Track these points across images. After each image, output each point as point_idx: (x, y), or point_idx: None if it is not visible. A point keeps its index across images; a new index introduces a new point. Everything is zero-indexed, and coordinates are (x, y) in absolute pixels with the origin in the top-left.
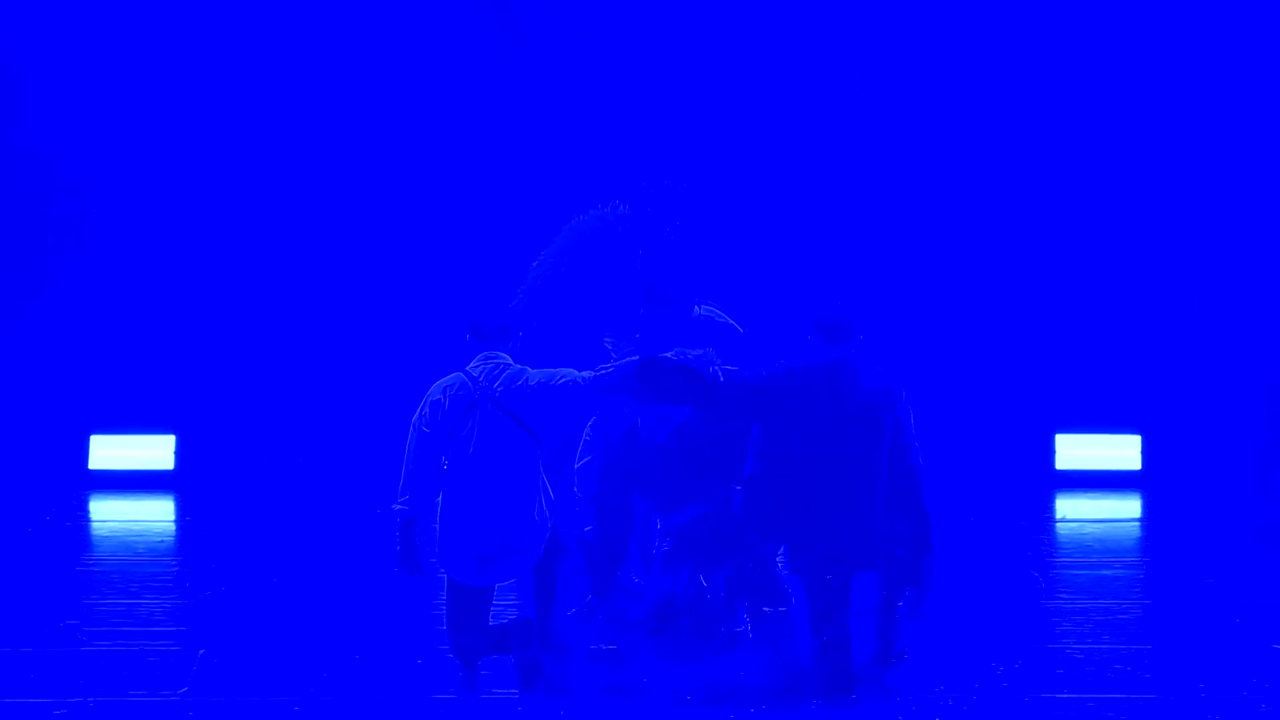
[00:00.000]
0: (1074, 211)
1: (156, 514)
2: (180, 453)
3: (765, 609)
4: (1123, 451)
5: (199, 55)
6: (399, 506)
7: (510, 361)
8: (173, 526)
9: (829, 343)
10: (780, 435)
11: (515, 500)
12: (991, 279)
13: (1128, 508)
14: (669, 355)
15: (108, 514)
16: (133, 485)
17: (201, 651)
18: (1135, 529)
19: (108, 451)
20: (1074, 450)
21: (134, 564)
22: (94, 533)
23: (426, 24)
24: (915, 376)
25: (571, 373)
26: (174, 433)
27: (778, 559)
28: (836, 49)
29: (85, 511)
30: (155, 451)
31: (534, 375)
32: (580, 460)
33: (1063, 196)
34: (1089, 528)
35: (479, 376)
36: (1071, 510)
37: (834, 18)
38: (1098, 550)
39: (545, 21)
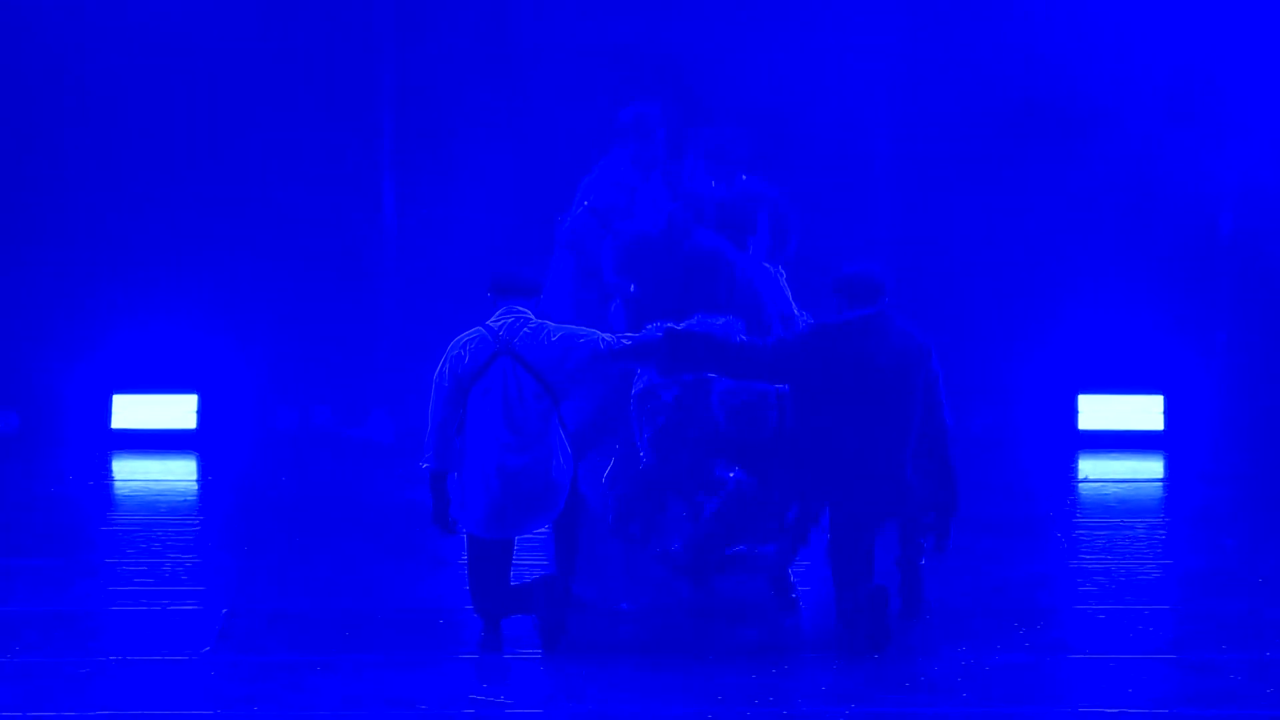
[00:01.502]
0: (1096, 173)
1: (179, 473)
2: (202, 412)
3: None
4: (1145, 412)
5: (215, 25)
6: (425, 464)
7: (532, 316)
8: (195, 486)
9: (857, 302)
10: (812, 394)
11: (531, 453)
12: (1014, 240)
13: (1150, 468)
14: (692, 324)
15: (130, 473)
16: (155, 444)
17: (225, 611)
18: (1158, 489)
19: (130, 411)
20: (1097, 410)
21: (157, 523)
22: (117, 492)
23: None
24: (940, 338)
25: (595, 332)
26: (196, 392)
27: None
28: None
29: (108, 470)
30: (178, 411)
31: (556, 330)
32: (638, 386)
33: (1084, 157)
34: (1111, 488)
35: (499, 330)
36: (1094, 470)
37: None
38: (1120, 510)
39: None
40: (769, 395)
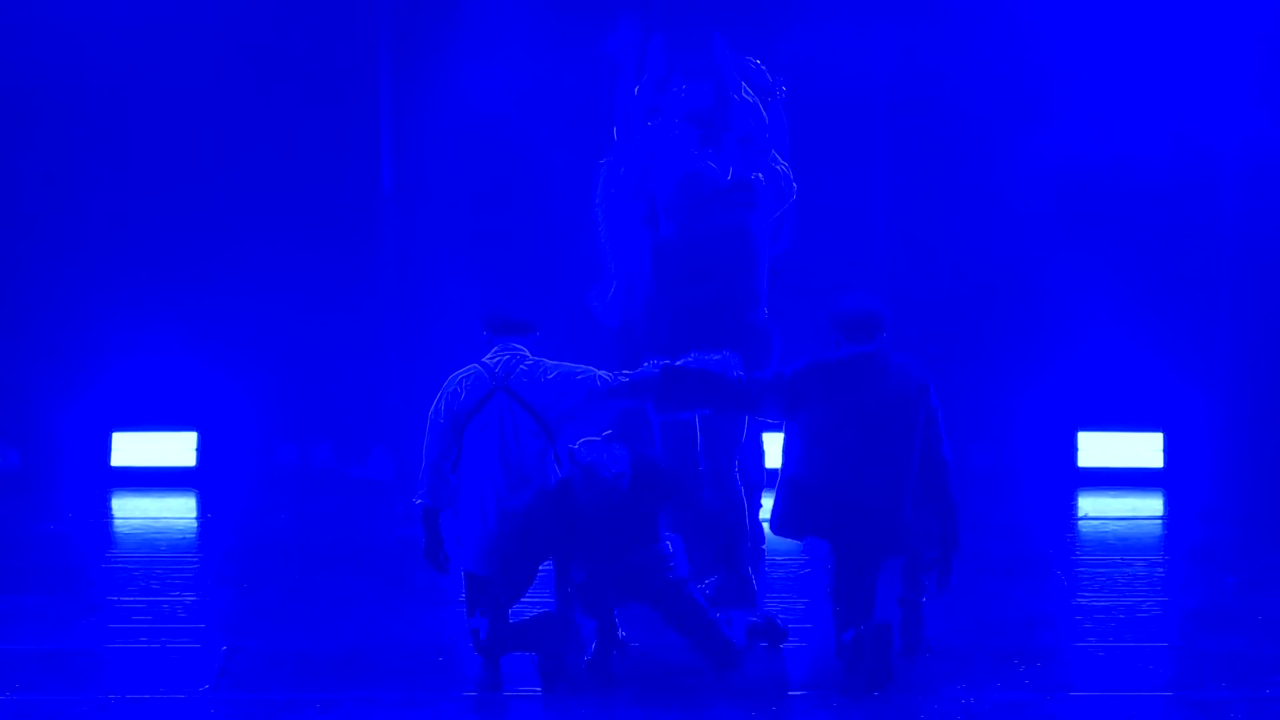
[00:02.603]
0: (1097, 210)
1: (178, 511)
2: (202, 450)
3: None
4: (1145, 449)
5: (207, 58)
6: (419, 500)
7: (528, 354)
8: (194, 523)
9: (856, 338)
10: (811, 430)
11: (525, 490)
12: (1014, 277)
13: (1150, 505)
14: (689, 360)
15: (130, 511)
16: (155, 482)
17: (225, 649)
18: (1157, 527)
19: (130, 448)
20: (1096, 448)
21: (156, 561)
22: (116, 529)
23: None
24: (939, 374)
25: (592, 370)
26: (195, 430)
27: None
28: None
29: (108, 508)
30: (177, 448)
31: (552, 368)
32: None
33: (1085, 194)
34: (1111, 525)
35: (495, 367)
36: (1094, 508)
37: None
38: (1120, 548)
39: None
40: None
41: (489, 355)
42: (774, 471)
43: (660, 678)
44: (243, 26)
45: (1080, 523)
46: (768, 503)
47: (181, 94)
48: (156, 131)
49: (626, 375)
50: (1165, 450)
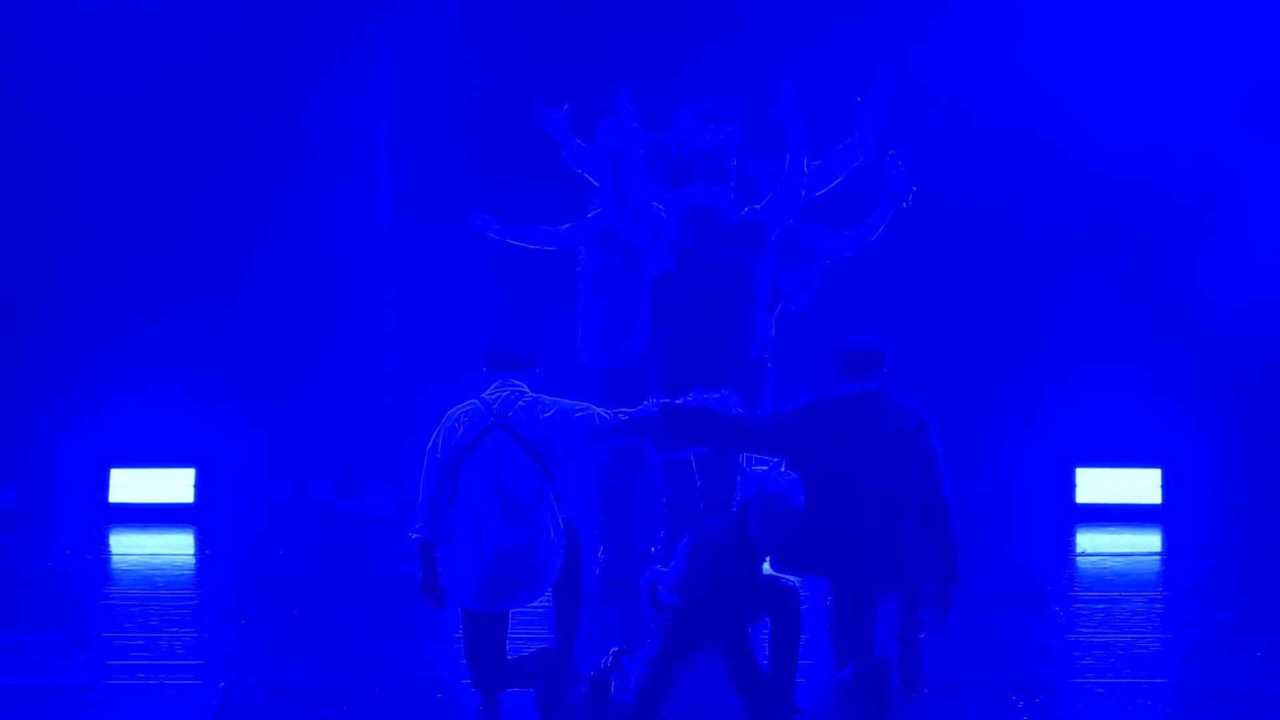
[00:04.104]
0: (1096, 252)
1: (176, 547)
2: (200, 486)
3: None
4: (1143, 485)
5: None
6: (415, 534)
7: (527, 390)
8: (192, 559)
9: (858, 376)
10: (811, 468)
11: (523, 527)
12: (1014, 316)
13: (1148, 541)
14: (688, 399)
15: (128, 547)
16: (153, 518)
17: (223, 684)
18: (1156, 563)
19: (128, 485)
20: (1095, 484)
21: (154, 597)
22: (114, 566)
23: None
24: (939, 412)
25: (590, 407)
26: (194, 466)
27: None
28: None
29: (106, 544)
30: (175, 485)
31: (551, 405)
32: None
33: (1084, 233)
34: (1110, 561)
35: (494, 403)
36: (1092, 544)
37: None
38: (1118, 584)
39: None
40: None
41: (488, 391)
42: None
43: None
44: (248, 82)
45: (1079, 558)
46: None
47: (181, 133)
48: (152, 179)
49: (625, 413)
50: (1163, 486)
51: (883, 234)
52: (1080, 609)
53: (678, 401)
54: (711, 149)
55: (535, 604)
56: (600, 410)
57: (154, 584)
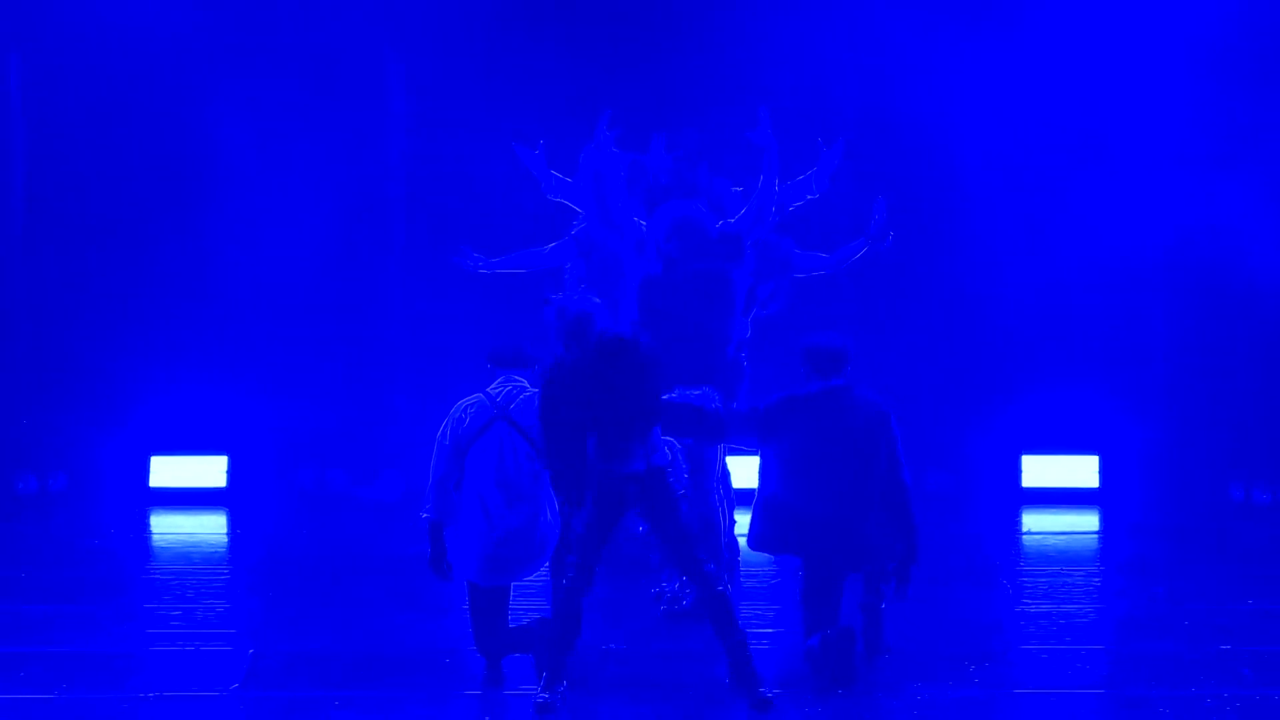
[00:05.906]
0: (1040, 255)
1: (210, 528)
2: (232, 472)
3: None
4: (1082, 471)
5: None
6: (425, 515)
7: (527, 386)
8: (225, 539)
9: (825, 373)
10: (783, 457)
11: (522, 509)
12: (967, 316)
13: (1087, 521)
14: (673, 396)
15: (166, 528)
16: (189, 502)
17: (252, 651)
18: (1094, 541)
19: (167, 471)
20: (1039, 470)
21: (190, 572)
22: (154, 544)
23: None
24: (899, 406)
25: None
26: (226, 454)
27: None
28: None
29: (146, 525)
30: (210, 471)
31: None
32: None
33: (1027, 229)
34: (1052, 539)
35: (497, 397)
36: (1036, 524)
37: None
38: (1060, 560)
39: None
40: None
41: (492, 386)
42: (742, 490)
43: (647, 679)
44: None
45: (1024, 537)
46: (743, 519)
47: (209, 141)
48: (187, 175)
49: None
50: (1101, 472)
51: (834, 225)
52: (1026, 583)
53: (665, 398)
54: (679, 178)
55: (533, 578)
56: None
57: (190, 560)
